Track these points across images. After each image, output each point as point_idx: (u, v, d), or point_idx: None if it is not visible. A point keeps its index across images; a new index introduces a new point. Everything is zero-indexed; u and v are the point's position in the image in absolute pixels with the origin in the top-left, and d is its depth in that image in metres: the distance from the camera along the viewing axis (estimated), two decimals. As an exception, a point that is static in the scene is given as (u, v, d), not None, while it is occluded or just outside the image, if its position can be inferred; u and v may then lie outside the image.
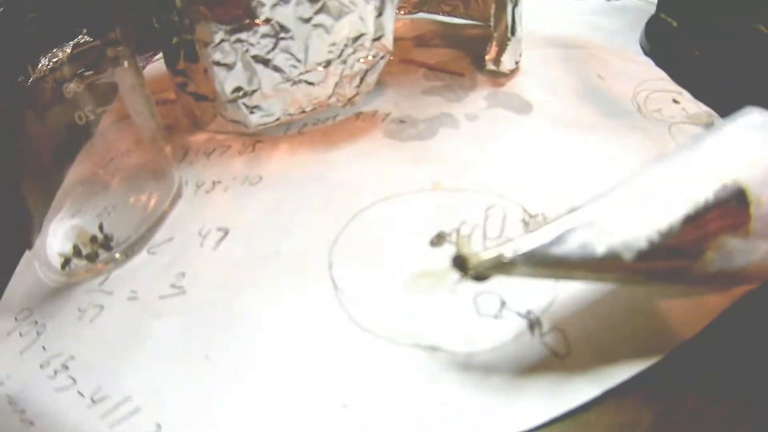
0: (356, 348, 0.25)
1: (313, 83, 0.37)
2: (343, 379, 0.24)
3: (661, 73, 0.44)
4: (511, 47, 0.42)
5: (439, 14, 0.53)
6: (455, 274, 0.20)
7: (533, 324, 0.25)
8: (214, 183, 0.36)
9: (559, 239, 0.19)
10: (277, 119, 0.38)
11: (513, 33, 0.42)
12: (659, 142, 0.36)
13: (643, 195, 0.20)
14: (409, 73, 0.45)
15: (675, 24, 0.46)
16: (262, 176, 0.36)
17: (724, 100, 0.39)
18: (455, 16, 0.52)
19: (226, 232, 0.32)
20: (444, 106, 0.41)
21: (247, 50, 0.35)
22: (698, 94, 0.41)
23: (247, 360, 0.25)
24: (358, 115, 0.41)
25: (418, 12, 0.54)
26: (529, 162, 0.35)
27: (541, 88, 0.42)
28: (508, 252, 0.19)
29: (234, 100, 0.36)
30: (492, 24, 0.42)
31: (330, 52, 0.37)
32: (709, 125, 0.38)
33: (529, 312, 0.26)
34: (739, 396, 0.23)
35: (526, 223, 0.31)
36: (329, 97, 0.38)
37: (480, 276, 0.20)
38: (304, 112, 0.38)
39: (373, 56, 0.38)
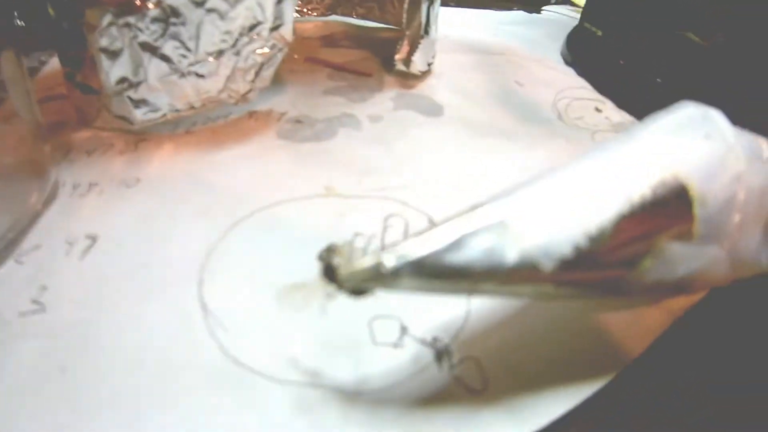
0: (224, 383, 0.20)
1: (203, 76, 0.33)
2: (209, 421, 0.19)
3: (583, 82, 0.41)
4: (423, 47, 0.38)
5: (352, 17, 0.49)
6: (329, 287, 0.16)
7: (441, 353, 0.21)
8: (90, 185, 0.31)
9: (457, 244, 0.15)
10: (164, 115, 0.33)
11: (426, 32, 0.38)
12: (582, 149, 0.31)
13: (566, 191, 0.16)
14: (313, 72, 0.40)
15: (600, 33, 0.42)
16: (140, 178, 0.31)
17: (649, 110, 0.36)
18: (369, 20, 0.48)
19: (95, 240, 0.27)
20: (346, 107, 0.36)
21: (135, 36, 0.30)
22: (622, 104, 0.39)
23: (105, 399, 0.20)
24: (251, 113, 0.36)
25: (330, 14, 0.49)
26: (437, 167, 0.30)
27: (455, 91, 0.38)
28: (389, 260, 0.15)
29: (119, 93, 0.32)
30: (404, 21, 0.37)
31: (223, 41, 0.32)
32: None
33: (435, 339, 0.21)
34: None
35: None
36: (220, 92, 0.34)
37: (358, 290, 0.16)
38: (193, 108, 0.34)
39: (270, 48, 0.34)
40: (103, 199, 0.29)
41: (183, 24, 0.31)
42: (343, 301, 0.22)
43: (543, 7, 0.57)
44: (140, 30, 0.30)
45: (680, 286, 0.18)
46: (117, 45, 0.30)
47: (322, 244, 0.25)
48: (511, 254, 0.15)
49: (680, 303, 0.23)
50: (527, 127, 0.35)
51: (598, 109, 0.38)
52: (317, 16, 0.49)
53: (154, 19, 0.30)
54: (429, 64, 0.39)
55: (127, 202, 0.29)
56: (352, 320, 0.22)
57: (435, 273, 0.15)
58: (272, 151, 0.32)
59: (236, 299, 0.23)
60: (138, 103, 0.32)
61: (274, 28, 0.33)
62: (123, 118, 0.33)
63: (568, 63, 0.45)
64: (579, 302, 0.23)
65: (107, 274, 0.25)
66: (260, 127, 0.34)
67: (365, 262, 0.15)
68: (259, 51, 0.33)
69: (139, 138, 0.34)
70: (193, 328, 0.22)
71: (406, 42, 0.38)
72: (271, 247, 0.26)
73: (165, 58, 0.31)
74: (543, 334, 0.22)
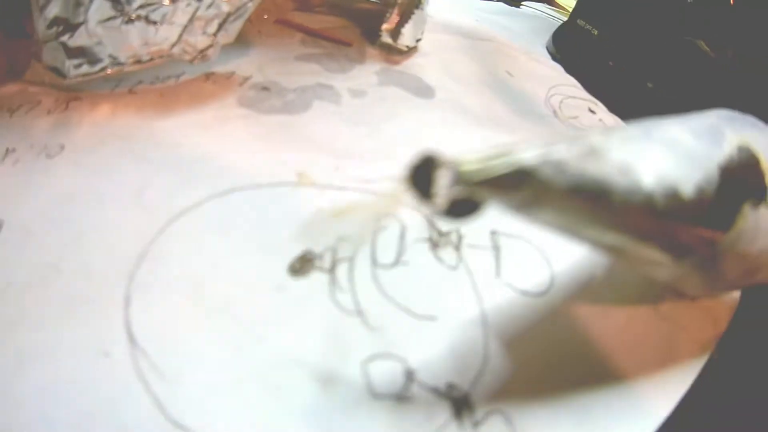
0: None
1: (155, 22, 0.26)
2: None
3: (573, 80, 0.36)
4: (415, 20, 0.31)
5: None
6: (407, 200, 0.11)
7: (460, 406, 0.15)
8: (7, 151, 0.23)
9: (594, 153, 0.12)
10: (103, 69, 0.26)
11: (420, 3, 0.30)
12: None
13: (664, 137, 0.13)
14: (284, 36, 0.32)
15: (596, 32, 0.36)
16: (64, 145, 0.23)
17: (637, 114, 0.32)
18: None
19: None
20: (322, 76, 0.28)
21: None
22: (609, 105, 0.34)
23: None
24: (208, 75, 0.28)
25: None
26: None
27: (444, 72, 0.31)
28: (530, 155, 0.11)
29: (52, 38, 0.25)
30: None
31: None
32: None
33: (450, 386, 0.15)
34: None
35: (434, 244, 0.18)
36: (173, 45, 0.26)
37: (463, 203, 0.11)
38: (139, 62, 0.26)
39: None
40: (17, 170, 0.22)
41: (136, -49, 0.24)
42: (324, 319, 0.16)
43: (522, 2, 0.51)
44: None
45: (757, 265, 0.16)
46: None
47: (292, 250, 0.18)
48: (648, 177, 0.12)
49: (709, 333, 0.19)
50: (524, 122, 0.29)
51: (591, 110, 0.33)
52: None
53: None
54: (417, 40, 0.32)
55: (45, 176, 0.21)
56: (340, 362, 0.15)
57: (575, 183, 0.11)
58: (231, 122, 0.25)
59: (176, 328, 0.16)
60: (73, 52, 0.25)
61: (249, -30, 0.27)
62: (55, 69, 0.26)
63: (554, 59, 0.39)
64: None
65: (9, 276, 0.17)
66: (218, 92, 0.27)
67: (497, 156, 0.11)
68: None
69: (73, 96, 0.26)
70: (113, 370, 0.15)
71: (396, 11, 0.31)
72: (223, 250, 0.19)
73: None
74: (574, 379, 0.17)
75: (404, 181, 0.11)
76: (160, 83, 0.27)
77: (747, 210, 0.14)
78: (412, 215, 0.20)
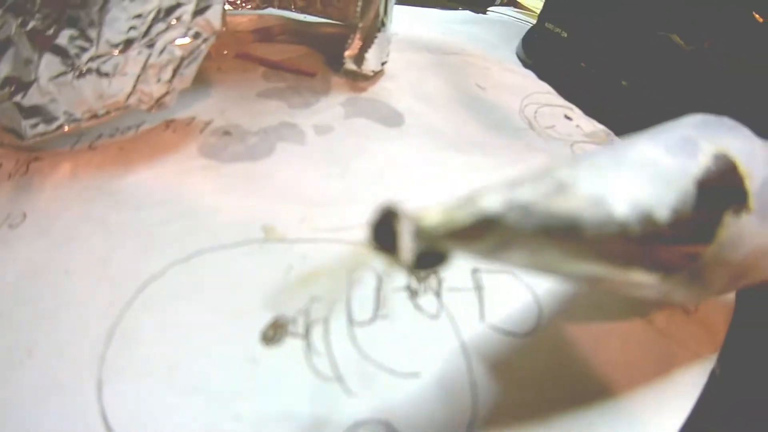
0: None
1: (107, 74, 0.24)
2: None
3: (547, 87, 0.35)
4: (378, 43, 0.30)
5: (291, 9, 0.40)
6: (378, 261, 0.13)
7: None
8: None
9: (561, 189, 0.11)
10: (59, 127, 0.24)
11: (383, 25, 0.28)
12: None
13: (642, 160, 0.13)
14: (245, 71, 0.30)
15: (565, 35, 0.35)
16: (26, 213, 0.22)
17: (614, 114, 0.32)
18: (310, 14, 0.39)
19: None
20: (286, 114, 0.27)
21: (23, 21, 0.23)
22: (585, 108, 0.33)
23: None
24: (168, 123, 0.27)
25: (267, 7, 0.40)
26: (405, 193, 0.21)
27: (413, 95, 0.29)
28: (493, 202, 0.10)
29: (6, 99, 0.23)
30: (358, 12, 0.29)
31: (132, 28, 0.24)
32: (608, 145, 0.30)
33: None
34: None
35: (413, 292, 0.17)
36: (129, 96, 0.25)
37: (430, 256, 0.10)
38: (95, 117, 0.25)
39: (193, 37, 0.25)
40: (-22, 245, 0.21)
41: (83, 6, 0.23)
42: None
43: (488, 8, 0.49)
44: (30, 15, 0.22)
45: (743, 270, 0.15)
46: (2, 33, 0.23)
47: (263, 317, 0.16)
48: (620, 205, 0.11)
49: (708, 347, 0.18)
50: (499, 138, 0.27)
51: (567, 117, 0.31)
52: (252, 9, 0.40)
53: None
54: (383, 63, 0.30)
55: (8, 249, 0.20)
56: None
57: (544, 225, 0.10)
58: (192, 174, 0.23)
59: (151, 412, 0.15)
60: (28, 111, 0.24)
61: (199, 12, 0.24)
62: (12, 131, 0.24)
63: (526, 65, 0.38)
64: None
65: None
66: (179, 141, 0.25)
67: (456, 207, 0.10)
68: (178, 42, 0.25)
69: (33, 156, 0.25)
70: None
71: (358, 36, 0.30)
72: (192, 322, 0.17)
73: (59, 51, 0.23)
74: (572, 415, 0.15)
75: (367, 238, 0.10)
76: (120, 135, 0.26)
77: (728, 220, 0.14)
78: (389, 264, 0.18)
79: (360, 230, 0.19)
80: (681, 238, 0.13)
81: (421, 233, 0.10)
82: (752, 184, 0.14)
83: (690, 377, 0.17)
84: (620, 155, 0.12)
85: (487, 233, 0.10)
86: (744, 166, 0.14)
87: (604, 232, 0.11)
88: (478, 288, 0.18)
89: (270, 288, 0.18)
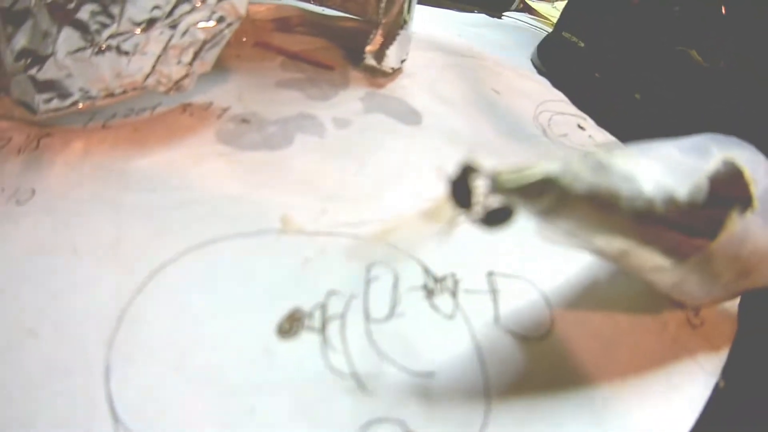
0: None
1: (127, 53, 0.23)
2: None
3: (561, 95, 0.34)
4: (400, 41, 0.29)
5: (310, 2, 0.38)
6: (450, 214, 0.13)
7: None
8: None
9: (601, 166, 0.13)
10: (74, 103, 0.23)
11: (405, 23, 0.28)
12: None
13: (657, 154, 0.14)
14: (264, 60, 0.30)
15: (582, 44, 0.35)
16: (35, 190, 0.21)
17: (625, 126, 0.31)
18: (329, 7, 0.38)
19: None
20: (304, 105, 0.26)
21: None
22: (597, 119, 0.32)
23: None
24: (185, 106, 0.26)
25: None
26: (424, 192, 0.21)
27: (431, 95, 0.29)
28: (553, 167, 0.12)
29: (21, 71, 0.23)
30: (382, 8, 0.28)
31: (156, 7, 0.23)
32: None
33: None
34: None
35: (429, 292, 0.17)
36: (147, 76, 0.24)
37: (496, 215, 0.12)
38: (111, 95, 0.24)
39: (217, 21, 0.24)
40: (-15, 219, 0.20)
41: (106, -19, 0.22)
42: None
43: (503, 13, 0.49)
44: (53, -16, 0.22)
45: (748, 268, 0.17)
46: (21, 4, 0.21)
47: (280, 308, 0.16)
48: (647, 184, 0.13)
49: (713, 360, 0.18)
50: (514, 144, 0.27)
51: (580, 127, 0.31)
52: (269, -1, 0.39)
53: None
54: (402, 61, 0.30)
55: (14, 227, 0.19)
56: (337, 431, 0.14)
57: (590, 189, 0.12)
58: (210, 160, 0.23)
59: (160, 401, 0.14)
60: (43, 85, 0.23)
61: (224, -3, 0.25)
62: (24, 104, 0.24)
63: (540, 73, 0.37)
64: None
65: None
66: (196, 125, 0.25)
67: (529, 169, 0.12)
68: (202, 24, 0.24)
69: (44, 132, 0.24)
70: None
71: (380, 32, 0.29)
72: (206, 310, 0.17)
73: (79, 26, 0.22)
74: (583, 421, 0.15)
75: (446, 193, 0.12)
76: (135, 116, 0.25)
77: (735, 215, 0.15)
78: (406, 262, 0.18)
79: (378, 226, 0.19)
80: (694, 228, 0.15)
81: (498, 185, 0.12)
82: (756, 189, 0.16)
83: (696, 389, 0.17)
84: (645, 150, 0.14)
85: (548, 191, 0.12)
86: (749, 172, 0.16)
87: (634, 205, 0.13)
88: (494, 291, 0.18)
89: (285, 278, 0.17)
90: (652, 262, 0.15)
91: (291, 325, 0.16)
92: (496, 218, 0.12)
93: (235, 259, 0.18)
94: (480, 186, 0.12)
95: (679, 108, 0.31)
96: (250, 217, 0.19)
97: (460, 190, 0.12)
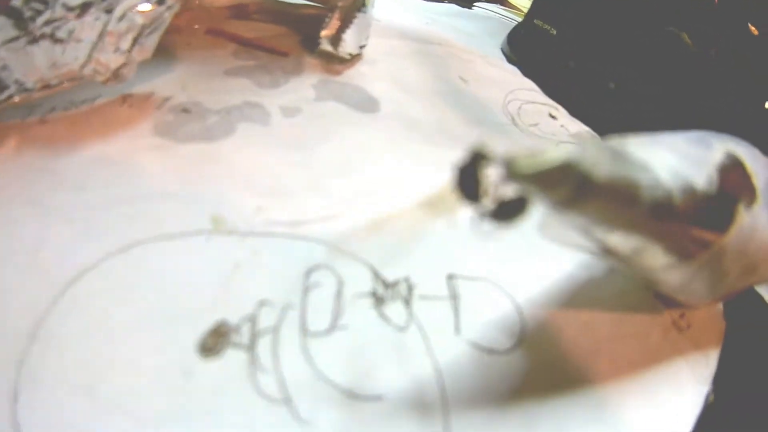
0: None
1: (62, 40, 0.21)
2: None
3: (531, 84, 0.32)
4: (357, 24, 0.27)
5: None
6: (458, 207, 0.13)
7: None
8: None
9: (617, 154, 0.12)
10: (9, 97, 0.21)
11: (364, 6, 0.25)
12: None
13: (665, 143, 0.13)
14: (216, 47, 0.27)
15: (554, 32, 0.33)
16: None
17: (599, 117, 0.30)
18: None
19: None
20: (252, 93, 0.24)
21: None
22: (570, 109, 0.31)
23: None
24: (125, 97, 0.24)
25: None
26: (376, 186, 0.19)
27: (391, 82, 0.27)
28: (572, 151, 0.11)
29: None
30: None
31: None
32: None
33: None
34: None
35: (378, 299, 0.14)
36: (83, 65, 0.22)
37: (507, 208, 0.11)
38: (48, 87, 0.22)
39: (156, 3, 0.22)
40: None
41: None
42: None
43: (474, 3, 0.47)
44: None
45: (755, 263, 0.16)
46: None
47: (204, 321, 0.14)
48: (663, 172, 0.12)
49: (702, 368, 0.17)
50: (480, 133, 0.25)
51: (552, 116, 0.29)
52: (228, -16, 0.36)
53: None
54: (361, 47, 0.28)
55: None
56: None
57: (610, 176, 0.11)
58: (143, 154, 0.20)
59: (69, 429, 0.12)
60: None
61: (166, -23, 0.22)
62: None
63: (510, 62, 0.35)
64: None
65: None
66: (134, 117, 0.22)
67: (547, 153, 0.11)
68: (140, 8, 0.22)
69: None
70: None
71: (336, 16, 0.27)
72: (124, 324, 0.14)
73: (13, 13, 0.20)
74: None
75: (451, 182, 0.11)
76: (75, 109, 0.23)
77: (742, 209, 0.14)
78: (351, 265, 0.15)
79: (321, 225, 0.17)
80: (707, 222, 0.14)
81: (513, 171, 0.10)
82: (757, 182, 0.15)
83: (683, 398, 0.16)
84: (653, 139, 0.13)
85: (567, 178, 0.11)
86: (749, 165, 0.15)
87: (655, 196, 0.12)
88: (454, 297, 0.16)
89: (212, 286, 0.15)
90: (664, 260, 0.14)
91: (215, 341, 0.14)
92: (508, 211, 0.11)
93: (158, 265, 0.15)
94: (491, 175, 0.10)
95: (657, 98, 0.29)
96: (179, 217, 0.17)
97: (468, 180, 0.11)
